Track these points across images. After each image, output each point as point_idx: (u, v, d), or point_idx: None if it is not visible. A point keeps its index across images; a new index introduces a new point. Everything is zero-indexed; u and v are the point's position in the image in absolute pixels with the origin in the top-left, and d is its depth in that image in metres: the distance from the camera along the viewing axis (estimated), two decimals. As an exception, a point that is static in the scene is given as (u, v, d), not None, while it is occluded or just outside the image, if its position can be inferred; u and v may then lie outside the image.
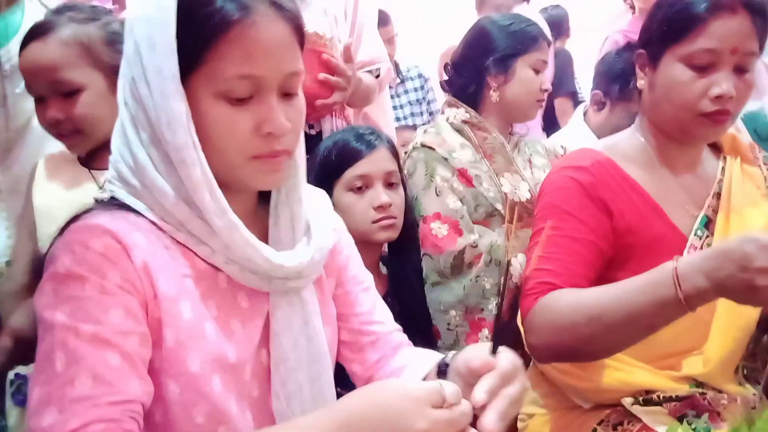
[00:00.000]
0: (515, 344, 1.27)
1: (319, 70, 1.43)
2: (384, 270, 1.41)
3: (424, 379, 0.83)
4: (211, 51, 0.68)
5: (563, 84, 3.17)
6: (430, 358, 0.86)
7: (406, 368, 0.87)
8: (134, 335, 0.67)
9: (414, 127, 2.77)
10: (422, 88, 3.27)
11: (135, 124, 0.71)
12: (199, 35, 0.68)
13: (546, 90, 1.56)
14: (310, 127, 1.54)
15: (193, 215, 0.71)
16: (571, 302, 1.01)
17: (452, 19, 3.31)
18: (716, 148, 1.24)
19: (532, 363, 1.24)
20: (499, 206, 1.48)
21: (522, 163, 1.58)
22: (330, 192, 1.24)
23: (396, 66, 3.13)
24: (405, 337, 0.95)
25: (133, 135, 0.71)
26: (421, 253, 1.43)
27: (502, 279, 1.42)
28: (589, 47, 3.19)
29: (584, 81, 3.34)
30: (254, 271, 0.75)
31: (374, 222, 1.28)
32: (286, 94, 0.74)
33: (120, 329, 0.66)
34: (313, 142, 1.40)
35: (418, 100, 3.21)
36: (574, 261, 1.07)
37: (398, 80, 3.20)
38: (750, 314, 1.08)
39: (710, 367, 1.08)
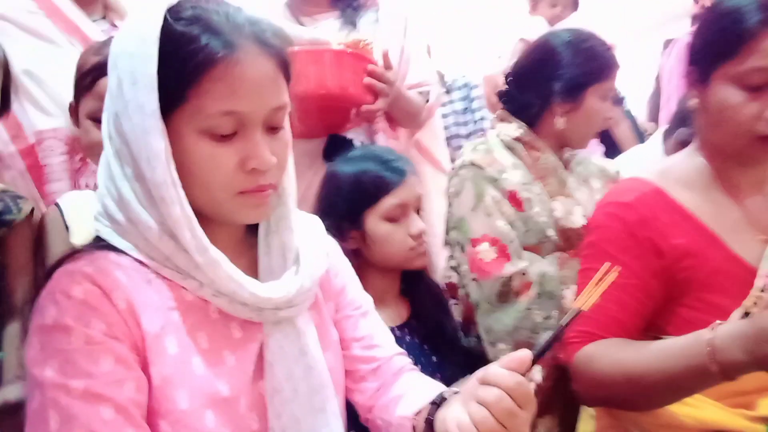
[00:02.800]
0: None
1: (363, 76, 1.44)
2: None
3: (419, 413, 0.82)
4: (194, 88, 0.68)
5: None
6: (429, 389, 0.85)
7: (402, 398, 0.86)
8: (129, 382, 0.67)
9: (458, 137, 2.74)
10: (468, 98, 3.24)
11: (119, 158, 0.71)
12: (183, 72, 0.67)
13: (610, 119, 1.48)
14: (361, 143, 1.55)
15: (178, 249, 0.71)
16: (610, 360, 0.99)
17: (496, 28, 3.28)
18: None
19: None
20: (550, 232, 1.39)
21: (575, 184, 1.49)
22: (360, 221, 1.24)
23: (441, 77, 3.12)
24: (408, 360, 0.94)
25: (118, 169, 0.71)
26: (469, 278, 1.37)
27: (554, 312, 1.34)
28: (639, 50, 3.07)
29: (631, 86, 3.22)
30: (244, 303, 0.74)
31: (411, 249, 1.26)
32: (272, 128, 0.74)
33: (112, 379, 0.65)
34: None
35: (464, 110, 3.17)
36: (619, 309, 1.02)
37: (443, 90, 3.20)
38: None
39: None
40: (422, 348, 1.28)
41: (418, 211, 1.30)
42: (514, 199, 1.40)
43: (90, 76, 1.19)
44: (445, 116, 3.12)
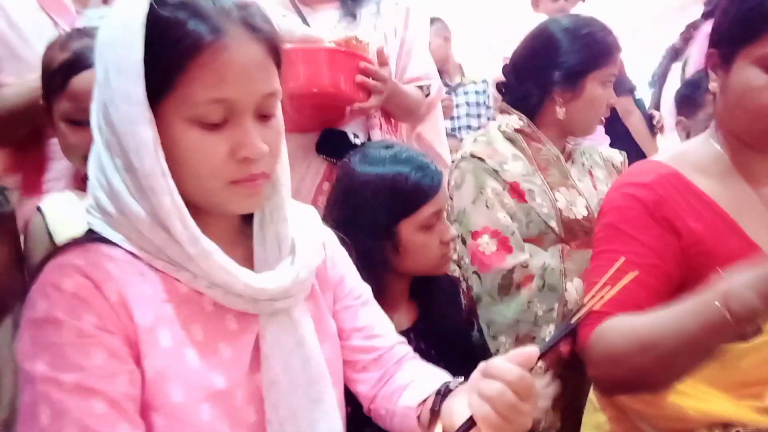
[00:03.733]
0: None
1: (356, 74, 1.43)
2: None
3: (424, 401, 0.83)
4: (181, 75, 0.66)
5: (621, 81, 3.03)
6: (434, 378, 0.85)
7: (407, 388, 0.86)
8: (121, 375, 0.66)
9: (468, 128, 2.74)
10: (484, 92, 3.24)
11: (109, 149, 0.70)
12: (170, 59, 0.66)
13: (612, 105, 1.45)
14: (355, 136, 1.53)
15: (170, 240, 0.70)
16: (624, 331, 0.95)
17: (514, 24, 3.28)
18: None
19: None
20: (553, 223, 1.37)
21: (578, 174, 1.47)
22: (394, 230, 1.16)
23: (459, 68, 3.18)
24: (409, 348, 0.94)
25: (108, 161, 0.70)
26: (471, 271, 1.36)
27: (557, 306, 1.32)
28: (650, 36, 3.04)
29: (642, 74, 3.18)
30: (238, 294, 0.73)
31: (443, 256, 1.21)
32: (263, 116, 0.73)
33: (104, 373, 0.65)
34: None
35: (477, 103, 3.17)
36: (637, 289, 0.98)
37: (459, 82, 3.20)
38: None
39: None
40: (429, 353, 1.23)
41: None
42: (515, 190, 1.38)
43: (60, 76, 1.12)
44: (458, 106, 3.13)
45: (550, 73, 1.41)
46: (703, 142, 1.12)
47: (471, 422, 0.69)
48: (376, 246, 1.12)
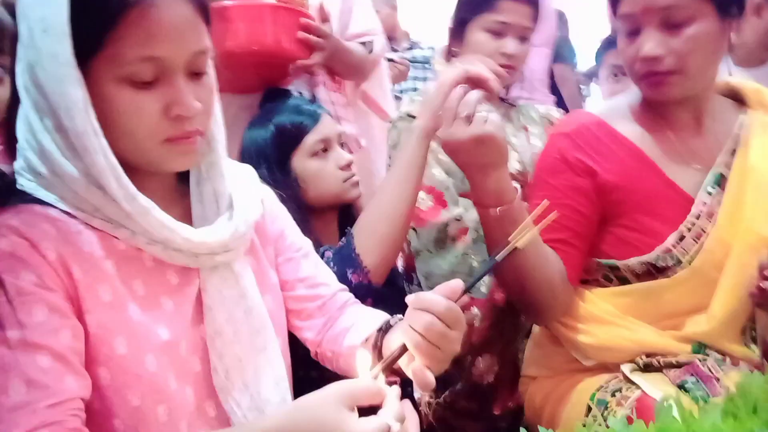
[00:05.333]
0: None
1: (297, 30, 1.42)
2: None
3: (367, 339, 0.86)
4: (110, 34, 0.66)
5: (561, 49, 3.08)
6: (375, 318, 0.88)
7: (350, 329, 0.90)
8: (64, 330, 0.67)
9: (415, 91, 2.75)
10: (431, 57, 3.26)
11: (37, 110, 0.70)
12: (97, 18, 0.66)
13: (509, 54, 1.44)
14: (300, 94, 1.53)
15: (106, 199, 0.70)
16: None
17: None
18: (741, 103, 1.18)
19: (532, 335, 1.28)
20: None
21: (512, 131, 1.51)
22: (289, 167, 1.26)
23: (407, 35, 3.19)
24: (350, 295, 0.97)
25: (37, 122, 0.70)
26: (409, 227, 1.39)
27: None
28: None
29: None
30: (178, 249, 0.75)
31: (345, 181, 1.29)
32: (195, 74, 0.73)
33: (47, 328, 0.65)
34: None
35: (424, 67, 3.19)
36: (558, 227, 1.06)
37: (407, 47, 3.20)
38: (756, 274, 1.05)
39: (714, 323, 1.07)
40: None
41: (343, 146, 1.33)
42: None
43: None
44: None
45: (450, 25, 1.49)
46: (631, 94, 1.18)
47: (403, 348, 0.74)
48: (280, 185, 1.16)
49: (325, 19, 1.49)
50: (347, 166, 1.30)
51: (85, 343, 0.69)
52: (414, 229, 1.39)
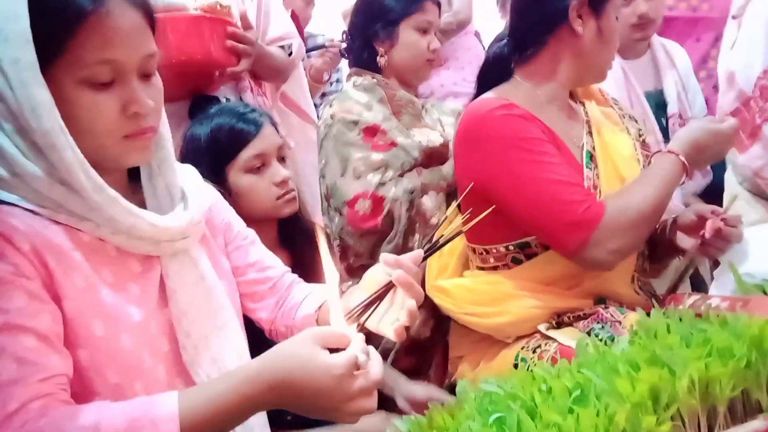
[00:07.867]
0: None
1: (224, 39, 1.47)
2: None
3: (320, 308, 0.93)
4: (70, 40, 0.72)
5: None
6: (323, 290, 0.93)
7: (302, 303, 0.97)
8: (44, 314, 0.71)
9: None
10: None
11: None
12: (57, 25, 0.72)
13: (435, 50, 1.61)
14: (227, 100, 1.58)
15: (71, 194, 0.75)
16: (621, 206, 1.15)
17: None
18: (572, 96, 1.35)
19: (452, 323, 1.36)
20: (415, 154, 1.54)
21: (432, 122, 1.64)
22: (223, 177, 1.26)
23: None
24: (295, 276, 1.05)
25: None
26: (357, 236, 1.50)
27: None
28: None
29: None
30: (141, 237, 0.80)
31: (278, 198, 1.29)
32: (145, 76, 0.79)
33: (28, 312, 0.69)
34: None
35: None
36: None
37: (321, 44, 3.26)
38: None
39: (606, 275, 1.21)
40: None
41: (281, 160, 1.33)
42: (376, 134, 1.53)
43: None
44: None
45: (371, 27, 1.60)
46: (516, 83, 1.31)
47: (390, 285, 0.79)
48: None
49: (248, 26, 1.54)
50: (283, 183, 1.29)
51: (64, 327, 0.73)
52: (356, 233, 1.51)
